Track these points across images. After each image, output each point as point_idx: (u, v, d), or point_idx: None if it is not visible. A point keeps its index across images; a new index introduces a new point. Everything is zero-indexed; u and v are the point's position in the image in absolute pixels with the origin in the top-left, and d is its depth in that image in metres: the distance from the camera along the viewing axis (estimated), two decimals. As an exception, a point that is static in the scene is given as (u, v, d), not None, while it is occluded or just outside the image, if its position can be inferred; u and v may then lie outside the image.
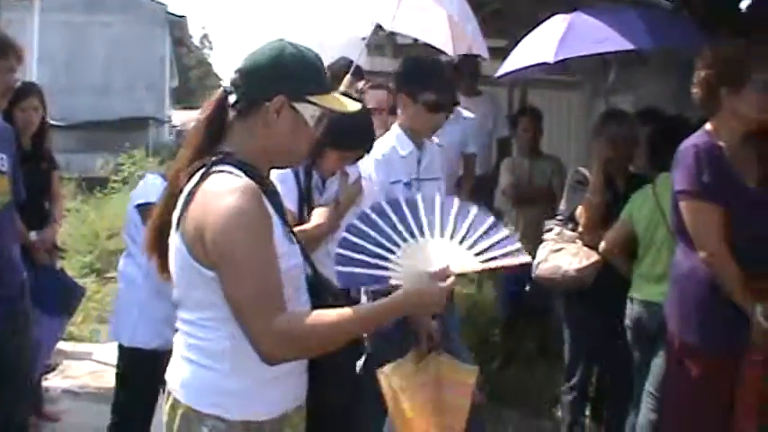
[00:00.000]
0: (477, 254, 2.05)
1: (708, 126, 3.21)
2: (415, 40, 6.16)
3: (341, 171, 3.27)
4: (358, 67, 4.86)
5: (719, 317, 3.09)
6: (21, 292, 3.59)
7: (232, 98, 2.01)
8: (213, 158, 1.95)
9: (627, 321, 3.90)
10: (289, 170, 3.06)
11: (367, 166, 3.44)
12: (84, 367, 5.85)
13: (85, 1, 21.94)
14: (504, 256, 2.05)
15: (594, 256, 4.05)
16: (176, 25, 26.17)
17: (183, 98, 27.90)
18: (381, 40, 7.55)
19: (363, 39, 5.66)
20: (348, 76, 4.44)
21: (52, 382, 5.33)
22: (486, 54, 5.68)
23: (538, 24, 4.85)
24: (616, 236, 3.99)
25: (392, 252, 2.04)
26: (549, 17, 4.81)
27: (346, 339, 1.92)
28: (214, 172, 1.93)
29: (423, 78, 3.45)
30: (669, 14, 4.53)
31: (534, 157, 5.85)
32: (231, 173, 1.93)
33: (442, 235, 2.09)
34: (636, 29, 4.32)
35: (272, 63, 1.99)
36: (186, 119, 4.60)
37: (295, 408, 2.06)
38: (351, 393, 2.16)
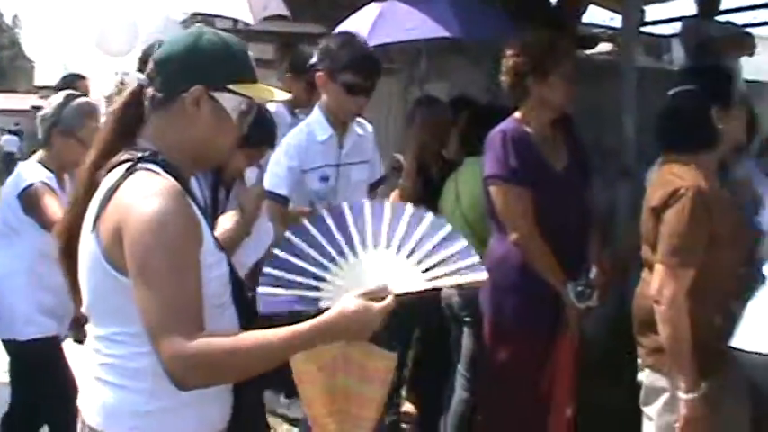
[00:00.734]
0: (426, 270, 1.86)
1: (516, 114, 3.32)
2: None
3: (239, 177, 3.03)
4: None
5: (533, 298, 3.19)
6: None
7: (149, 91, 1.82)
8: (139, 155, 1.76)
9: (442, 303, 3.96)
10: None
11: (277, 153, 3.25)
12: None
13: None
14: (457, 272, 1.86)
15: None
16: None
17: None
18: (200, 23, 7.32)
19: (183, 23, 5.48)
20: None
21: None
22: (284, 12, 5.62)
23: (355, 11, 4.86)
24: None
25: (327, 270, 1.85)
26: (366, 4, 4.83)
27: (267, 367, 1.69)
28: (138, 170, 1.74)
29: (343, 58, 3.23)
30: (481, 5, 4.63)
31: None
32: (159, 174, 1.74)
33: (387, 247, 1.89)
34: (447, 18, 4.38)
35: (188, 51, 1.81)
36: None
37: (223, 429, 1.89)
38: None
